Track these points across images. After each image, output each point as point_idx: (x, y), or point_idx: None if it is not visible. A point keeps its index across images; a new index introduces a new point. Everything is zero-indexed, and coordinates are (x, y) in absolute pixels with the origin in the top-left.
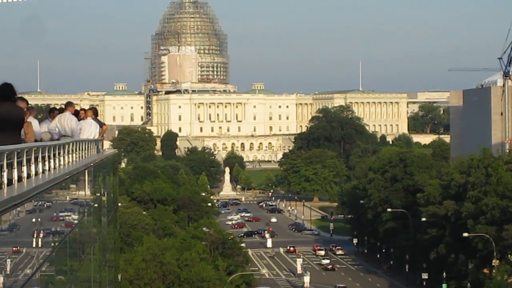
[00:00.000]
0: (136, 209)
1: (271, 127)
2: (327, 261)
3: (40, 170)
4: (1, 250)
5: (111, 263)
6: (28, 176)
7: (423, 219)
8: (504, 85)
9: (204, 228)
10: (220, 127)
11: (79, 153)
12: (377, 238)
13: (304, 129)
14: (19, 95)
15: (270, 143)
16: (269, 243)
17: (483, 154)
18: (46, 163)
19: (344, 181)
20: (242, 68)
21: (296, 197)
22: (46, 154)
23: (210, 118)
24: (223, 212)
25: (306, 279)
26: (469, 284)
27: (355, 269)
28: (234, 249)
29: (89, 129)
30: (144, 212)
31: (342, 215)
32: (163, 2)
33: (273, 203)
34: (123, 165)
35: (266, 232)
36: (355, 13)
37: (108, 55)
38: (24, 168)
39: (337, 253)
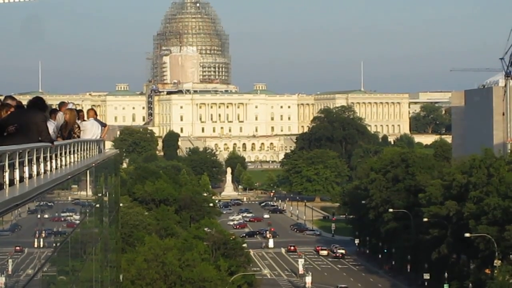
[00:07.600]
0: (138, 209)
1: (272, 128)
2: (343, 251)
3: (42, 171)
4: (3, 250)
5: (113, 263)
6: (30, 176)
7: (425, 219)
8: (506, 85)
9: (205, 229)
10: (221, 128)
11: (80, 153)
12: (379, 239)
13: (306, 130)
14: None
15: (271, 143)
16: (270, 243)
17: (485, 154)
18: (48, 163)
19: (345, 182)
20: (244, 68)
21: (297, 198)
22: (48, 155)
23: (211, 119)
24: (224, 212)
25: (308, 279)
26: (470, 284)
27: (357, 269)
28: (235, 250)
29: (90, 130)
30: (146, 213)
31: (344, 216)
32: (164, 2)
33: (275, 204)
34: (124, 165)
35: (267, 232)
36: (357, 14)
37: (109, 55)
38: (26, 169)
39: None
